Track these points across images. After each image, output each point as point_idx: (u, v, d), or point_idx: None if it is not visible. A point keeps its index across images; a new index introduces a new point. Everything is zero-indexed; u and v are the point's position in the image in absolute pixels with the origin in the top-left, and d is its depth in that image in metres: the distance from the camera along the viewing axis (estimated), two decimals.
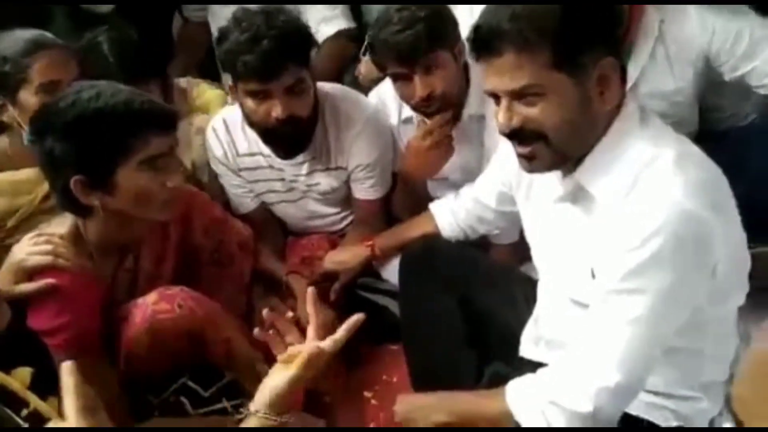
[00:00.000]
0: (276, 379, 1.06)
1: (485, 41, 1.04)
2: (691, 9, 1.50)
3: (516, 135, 1.07)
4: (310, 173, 1.70)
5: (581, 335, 1.07)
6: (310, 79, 1.56)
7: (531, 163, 1.10)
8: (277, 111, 1.50)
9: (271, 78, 1.47)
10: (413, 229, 1.58)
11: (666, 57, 1.50)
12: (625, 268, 1.00)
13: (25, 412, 0.96)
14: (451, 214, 1.51)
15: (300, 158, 1.67)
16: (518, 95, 1.04)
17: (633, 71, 1.49)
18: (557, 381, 1.07)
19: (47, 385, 1.00)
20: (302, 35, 1.52)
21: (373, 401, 1.61)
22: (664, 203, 0.99)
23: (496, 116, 1.08)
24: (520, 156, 1.10)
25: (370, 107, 1.71)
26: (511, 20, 1.01)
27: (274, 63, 1.45)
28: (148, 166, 1.22)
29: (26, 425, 0.94)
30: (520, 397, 1.10)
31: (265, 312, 1.29)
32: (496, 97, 1.07)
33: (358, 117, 1.66)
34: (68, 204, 1.25)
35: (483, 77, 1.09)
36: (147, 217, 1.29)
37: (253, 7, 1.51)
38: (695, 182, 1.01)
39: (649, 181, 1.02)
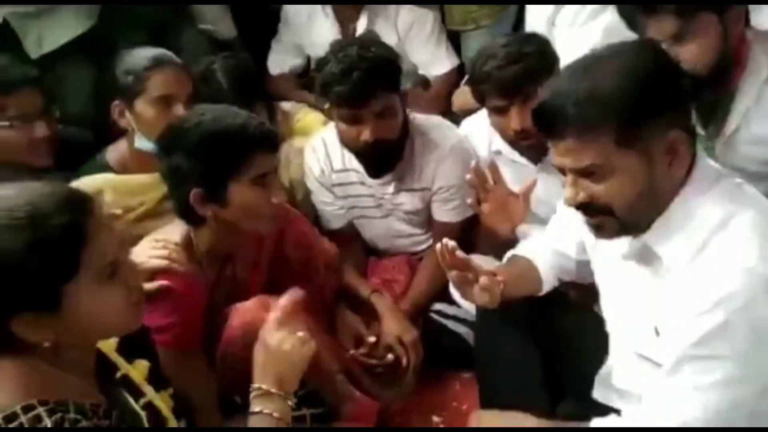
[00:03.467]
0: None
1: (548, 125, 1.06)
2: None
3: (582, 208, 1.09)
4: (396, 192, 1.80)
5: (661, 397, 1.06)
6: (400, 103, 1.67)
7: (598, 232, 1.11)
8: (365, 135, 1.61)
9: (361, 105, 1.59)
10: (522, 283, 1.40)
11: None
12: (698, 333, 1.00)
13: (142, 401, 1.04)
14: (551, 269, 1.42)
15: (388, 177, 1.77)
16: (583, 174, 1.05)
17: (736, 116, 1.46)
18: None
19: (158, 380, 1.10)
20: (392, 64, 1.64)
21: (441, 426, 1.65)
22: (736, 267, 0.99)
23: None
24: (588, 224, 1.12)
25: (457, 134, 1.80)
26: (572, 104, 1.01)
27: (364, 92, 1.58)
28: (257, 182, 1.33)
29: (143, 413, 1.02)
30: None
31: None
32: (562, 171, 1.09)
33: (445, 142, 1.75)
34: (185, 213, 1.37)
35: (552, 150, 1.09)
36: (253, 229, 1.39)
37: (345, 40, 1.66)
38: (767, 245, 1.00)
39: (721, 245, 1.02)
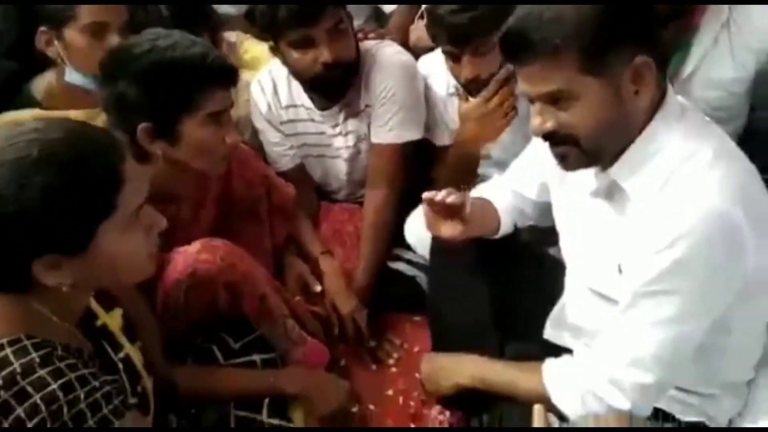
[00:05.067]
0: None
1: (513, 50, 1.04)
2: None
3: (549, 137, 1.07)
4: (345, 120, 1.71)
5: (615, 332, 1.08)
6: (349, 21, 1.58)
7: (564, 162, 1.10)
8: (324, 56, 1.52)
9: (313, 21, 1.49)
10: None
11: (729, 44, 1.45)
12: (655, 269, 1.01)
13: (121, 354, 1.02)
14: (509, 212, 1.42)
15: (336, 108, 1.69)
16: (549, 99, 1.04)
17: (695, 57, 1.46)
18: (595, 373, 1.09)
19: (129, 332, 1.06)
20: None
21: (393, 369, 1.65)
22: (695, 203, 0.99)
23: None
24: (553, 154, 1.11)
25: (406, 54, 1.71)
26: (537, 29, 1.00)
27: (314, 4, 1.48)
28: (212, 120, 1.25)
29: (121, 366, 1.00)
30: (558, 378, 1.13)
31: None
32: (531, 99, 1.07)
33: (387, 55, 1.67)
34: (130, 149, 1.26)
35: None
36: (203, 169, 1.32)
37: None
38: (728, 182, 1.00)
39: (682, 180, 1.02)
